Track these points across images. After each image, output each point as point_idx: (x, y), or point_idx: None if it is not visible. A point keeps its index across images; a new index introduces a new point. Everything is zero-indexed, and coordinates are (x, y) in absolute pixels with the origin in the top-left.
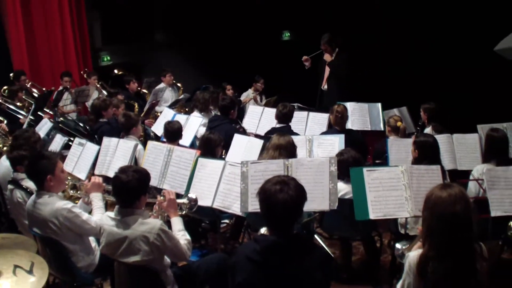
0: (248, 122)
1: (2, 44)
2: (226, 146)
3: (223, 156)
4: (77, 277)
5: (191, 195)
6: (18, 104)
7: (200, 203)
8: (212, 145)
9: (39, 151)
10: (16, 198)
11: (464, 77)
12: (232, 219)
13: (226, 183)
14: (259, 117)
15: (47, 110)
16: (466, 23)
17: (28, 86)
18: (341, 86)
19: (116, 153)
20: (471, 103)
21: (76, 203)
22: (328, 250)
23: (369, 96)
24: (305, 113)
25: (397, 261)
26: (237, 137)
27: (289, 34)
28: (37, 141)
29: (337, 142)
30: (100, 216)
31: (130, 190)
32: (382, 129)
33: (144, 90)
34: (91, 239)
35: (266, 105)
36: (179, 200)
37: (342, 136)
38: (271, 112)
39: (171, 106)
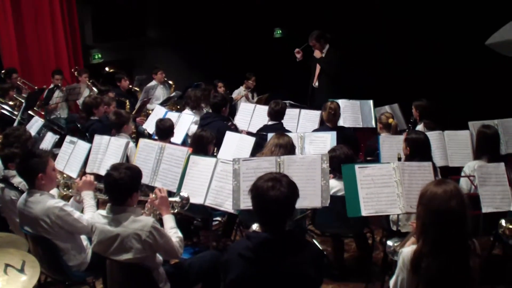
0: (240, 120)
1: None
2: (218, 144)
3: (215, 154)
4: (69, 276)
5: (183, 193)
6: (10, 103)
7: (192, 200)
8: (204, 143)
9: (30, 150)
10: (7, 196)
11: (456, 74)
12: (224, 217)
13: (218, 181)
14: (251, 114)
15: (37, 109)
16: (456, 19)
17: (20, 84)
18: (332, 83)
19: (108, 151)
20: (462, 100)
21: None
22: (320, 247)
23: (361, 93)
24: (297, 110)
25: (389, 258)
26: (229, 135)
27: (280, 31)
28: (28, 139)
29: (329, 139)
30: (92, 214)
31: (122, 187)
32: (374, 126)
33: (136, 88)
34: (83, 238)
35: (258, 102)
36: (171, 198)
37: (334, 133)
38: (263, 109)
39: (162, 104)
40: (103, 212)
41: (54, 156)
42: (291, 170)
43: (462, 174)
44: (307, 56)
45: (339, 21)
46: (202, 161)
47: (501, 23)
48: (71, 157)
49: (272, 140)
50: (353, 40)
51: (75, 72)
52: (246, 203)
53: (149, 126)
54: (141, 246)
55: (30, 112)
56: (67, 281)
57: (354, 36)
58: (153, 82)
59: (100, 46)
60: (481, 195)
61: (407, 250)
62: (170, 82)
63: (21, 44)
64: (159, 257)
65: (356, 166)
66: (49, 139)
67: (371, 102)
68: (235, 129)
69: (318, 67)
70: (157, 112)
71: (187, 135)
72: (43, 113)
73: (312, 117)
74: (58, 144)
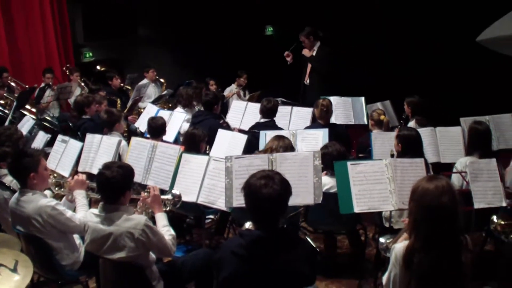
0: (232, 117)
1: None
2: (210, 142)
3: (207, 152)
4: (62, 275)
5: (175, 191)
6: (1, 102)
7: (184, 198)
8: (196, 141)
9: (22, 149)
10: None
11: (447, 71)
12: (217, 215)
13: (211, 179)
14: (243, 112)
15: (29, 108)
16: (446, 16)
17: (11, 83)
18: (324, 81)
19: (100, 149)
20: (454, 97)
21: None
22: (313, 244)
23: (353, 90)
24: (289, 107)
25: (382, 255)
26: (221, 132)
27: (272, 29)
28: (20, 138)
29: (321, 136)
30: (84, 213)
31: (115, 186)
32: (366, 123)
33: (127, 86)
34: (75, 237)
35: (250, 100)
36: (163, 196)
37: (326, 130)
38: (255, 107)
39: (154, 102)
40: (96, 211)
41: (46, 155)
42: (284, 167)
43: (454, 170)
44: (297, 58)
45: (330, 18)
46: (195, 159)
47: (492, 20)
48: (63, 156)
49: (271, 142)
50: (344, 37)
51: (67, 71)
52: (239, 201)
53: (141, 124)
54: (134, 245)
55: (22, 111)
56: (60, 280)
57: (345, 33)
58: (145, 81)
59: (91, 44)
60: (473, 191)
61: (400, 246)
62: (162, 80)
63: (12, 43)
64: (152, 256)
65: (349, 163)
66: (41, 138)
67: (362, 99)
68: (227, 127)
69: (309, 65)
70: (149, 110)
71: (179, 133)
72: (34, 110)
73: (304, 114)
74: (50, 143)
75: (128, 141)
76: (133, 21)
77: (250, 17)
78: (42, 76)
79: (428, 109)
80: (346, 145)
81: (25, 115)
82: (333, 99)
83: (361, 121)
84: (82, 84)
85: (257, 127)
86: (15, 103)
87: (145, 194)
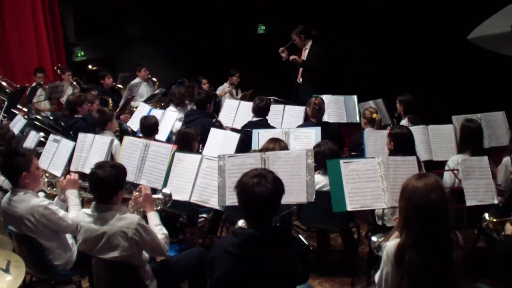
0: (224, 116)
1: None
2: (203, 140)
3: (200, 150)
4: (54, 275)
5: (166, 190)
6: None
7: (177, 197)
8: (189, 140)
9: (14, 148)
10: None
11: (439, 69)
12: (210, 213)
13: (203, 177)
14: (235, 110)
15: (20, 107)
16: (438, 14)
17: (2, 82)
18: (316, 79)
19: (92, 149)
20: (446, 95)
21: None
22: (306, 242)
23: (345, 88)
24: (281, 106)
25: (375, 253)
26: (213, 131)
27: (264, 27)
28: (12, 137)
29: (313, 135)
30: (77, 213)
31: (107, 185)
32: (358, 121)
33: (119, 85)
34: (68, 236)
35: (242, 98)
36: (153, 196)
37: (319, 128)
38: (248, 105)
39: (146, 101)
40: (88, 210)
41: (38, 155)
42: (276, 166)
43: (446, 168)
44: (291, 54)
45: (322, 15)
46: (187, 158)
47: (483, 18)
48: (55, 155)
49: (267, 144)
50: (336, 35)
51: (58, 70)
52: (232, 199)
53: (134, 123)
54: (127, 244)
55: (13, 110)
56: (52, 280)
57: (337, 31)
58: (137, 80)
59: (83, 43)
60: (465, 188)
61: (391, 244)
62: (154, 79)
63: (3, 42)
64: (145, 255)
65: (341, 161)
66: (32, 137)
67: (355, 97)
68: (220, 126)
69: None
70: (141, 109)
71: (171, 132)
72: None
73: (296, 112)
74: (41, 143)
75: (121, 140)
76: (125, 20)
77: (243, 15)
78: (34, 75)
79: (420, 107)
80: (339, 143)
81: (16, 114)
82: (326, 97)
83: (353, 120)
84: (74, 83)
85: (250, 126)
86: (6, 103)
87: (137, 193)
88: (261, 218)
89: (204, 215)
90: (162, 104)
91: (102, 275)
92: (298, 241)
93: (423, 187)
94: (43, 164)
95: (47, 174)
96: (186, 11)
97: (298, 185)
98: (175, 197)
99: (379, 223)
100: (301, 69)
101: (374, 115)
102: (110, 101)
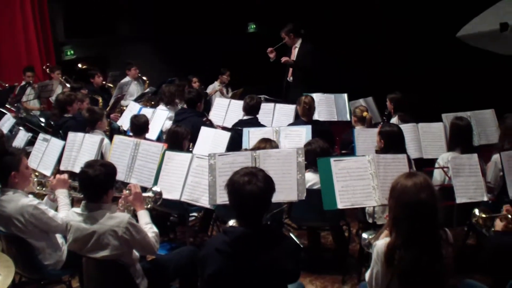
0: (214, 115)
1: None
2: (193, 139)
3: (190, 149)
4: (44, 275)
5: (156, 188)
6: None
7: (168, 196)
8: (179, 138)
9: (3, 147)
10: None
11: (429, 67)
12: (201, 212)
13: (194, 176)
14: (226, 109)
15: (9, 106)
16: (427, 12)
17: None
18: (306, 78)
19: (82, 148)
20: (436, 93)
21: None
22: (297, 240)
23: (335, 86)
24: (272, 104)
25: (365, 251)
26: (204, 130)
27: (254, 26)
28: (1, 136)
29: (304, 133)
30: (67, 212)
31: (98, 184)
32: (349, 119)
33: (109, 84)
34: (58, 236)
35: (233, 97)
36: (144, 194)
37: (309, 127)
38: (238, 104)
39: (137, 100)
40: (78, 210)
41: (27, 154)
42: (267, 164)
43: (436, 165)
44: (281, 55)
45: (312, 14)
46: (178, 156)
47: (471, 16)
48: (44, 154)
49: (258, 144)
50: (326, 33)
51: (47, 69)
52: (223, 198)
53: (124, 122)
54: (117, 243)
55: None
56: (42, 280)
57: (327, 29)
58: (127, 78)
59: (73, 42)
60: (455, 186)
61: (381, 243)
62: (144, 78)
63: None
64: (136, 254)
65: (332, 159)
66: (22, 137)
67: (345, 95)
68: (210, 124)
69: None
70: (132, 108)
71: (161, 131)
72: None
73: (287, 111)
74: (31, 143)
75: (111, 139)
76: (115, 18)
77: (233, 14)
78: (23, 74)
79: (411, 105)
80: (329, 141)
81: (4, 113)
82: (316, 96)
83: (344, 118)
84: (64, 82)
85: (240, 124)
86: None
87: (127, 192)
88: (252, 217)
89: (195, 214)
90: (153, 102)
91: (92, 274)
92: (289, 239)
93: (412, 186)
94: (32, 164)
95: (36, 174)
96: (176, 10)
97: (289, 183)
98: (165, 195)
99: (370, 221)
100: (291, 68)
101: (365, 113)
102: (100, 100)
